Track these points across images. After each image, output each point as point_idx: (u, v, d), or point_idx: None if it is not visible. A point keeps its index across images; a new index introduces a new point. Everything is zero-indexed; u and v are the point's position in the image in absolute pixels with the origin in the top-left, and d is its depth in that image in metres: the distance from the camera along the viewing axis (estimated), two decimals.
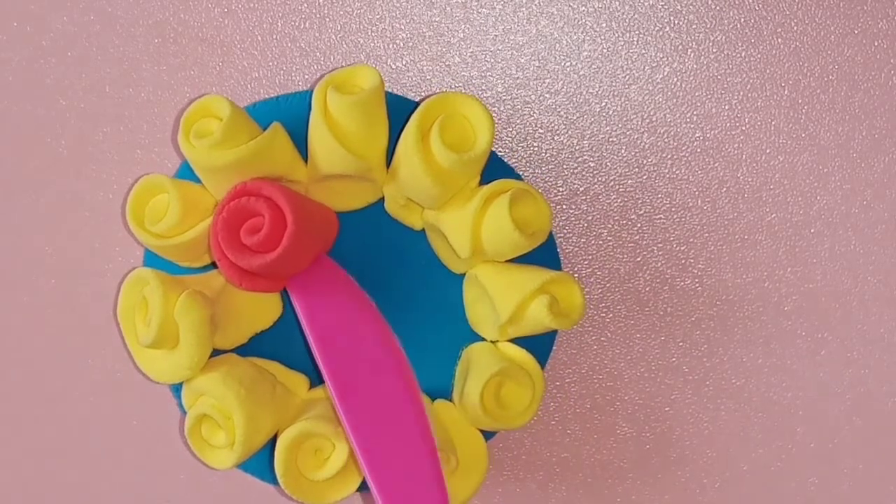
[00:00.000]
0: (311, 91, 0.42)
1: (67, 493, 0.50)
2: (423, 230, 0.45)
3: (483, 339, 0.45)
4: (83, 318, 0.49)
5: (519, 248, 0.42)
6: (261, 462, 0.44)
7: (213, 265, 0.44)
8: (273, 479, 0.43)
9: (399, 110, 0.43)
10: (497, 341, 0.45)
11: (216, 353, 0.43)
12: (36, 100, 0.49)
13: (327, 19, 0.49)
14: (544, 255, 0.44)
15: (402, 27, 0.49)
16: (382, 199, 0.45)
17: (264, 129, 0.42)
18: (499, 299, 0.42)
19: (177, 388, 0.45)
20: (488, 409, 0.43)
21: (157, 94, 0.49)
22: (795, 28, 0.49)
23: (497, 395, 0.43)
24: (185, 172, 0.45)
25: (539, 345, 0.45)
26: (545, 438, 0.49)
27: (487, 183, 0.42)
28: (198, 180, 0.43)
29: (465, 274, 0.45)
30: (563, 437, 0.49)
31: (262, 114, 0.44)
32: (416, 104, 0.42)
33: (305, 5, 0.49)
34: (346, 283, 0.45)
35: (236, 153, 0.41)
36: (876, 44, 0.49)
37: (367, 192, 0.45)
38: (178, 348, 0.41)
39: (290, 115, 0.44)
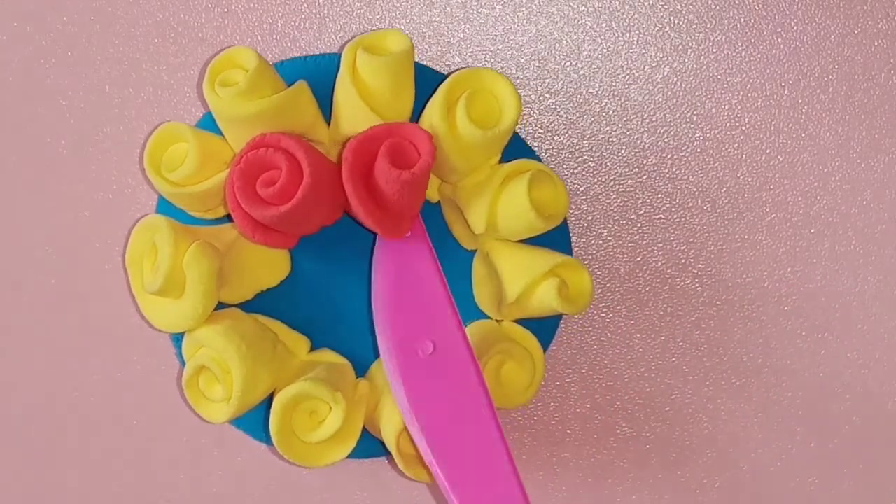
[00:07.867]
0: (339, 54, 0.43)
1: (68, 493, 0.50)
2: (439, 202, 0.45)
3: (488, 317, 0.45)
4: (83, 318, 0.49)
5: (533, 230, 0.42)
6: (255, 420, 0.44)
7: (226, 218, 0.44)
8: (266, 438, 0.43)
9: (427, 80, 0.43)
10: (502, 321, 0.45)
11: (221, 306, 0.43)
12: (36, 100, 0.49)
13: (327, 19, 0.49)
14: (557, 239, 0.44)
15: (402, 27, 0.49)
16: None
17: (290, 86, 0.42)
18: (508, 279, 0.42)
19: (177, 339, 0.45)
20: (488, 387, 0.42)
21: (157, 94, 0.49)
22: (795, 28, 0.49)
23: (497, 373, 0.43)
24: (207, 124, 0.45)
25: (543, 328, 0.45)
26: (545, 438, 0.49)
27: (508, 162, 0.42)
28: (219, 132, 0.43)
29: (475, 250, 0.45)
30: (563, 437, 0.49)
31: (289, 71, 0.44)
32: (445, 76, 0.42)
33: (305, 5, 0.49)
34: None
35: (259, 105, 0.41)
36: (876, 44, 0.49)
37: None
38: (183, 298, 0.41)
39: (316, 76, 0.44)
